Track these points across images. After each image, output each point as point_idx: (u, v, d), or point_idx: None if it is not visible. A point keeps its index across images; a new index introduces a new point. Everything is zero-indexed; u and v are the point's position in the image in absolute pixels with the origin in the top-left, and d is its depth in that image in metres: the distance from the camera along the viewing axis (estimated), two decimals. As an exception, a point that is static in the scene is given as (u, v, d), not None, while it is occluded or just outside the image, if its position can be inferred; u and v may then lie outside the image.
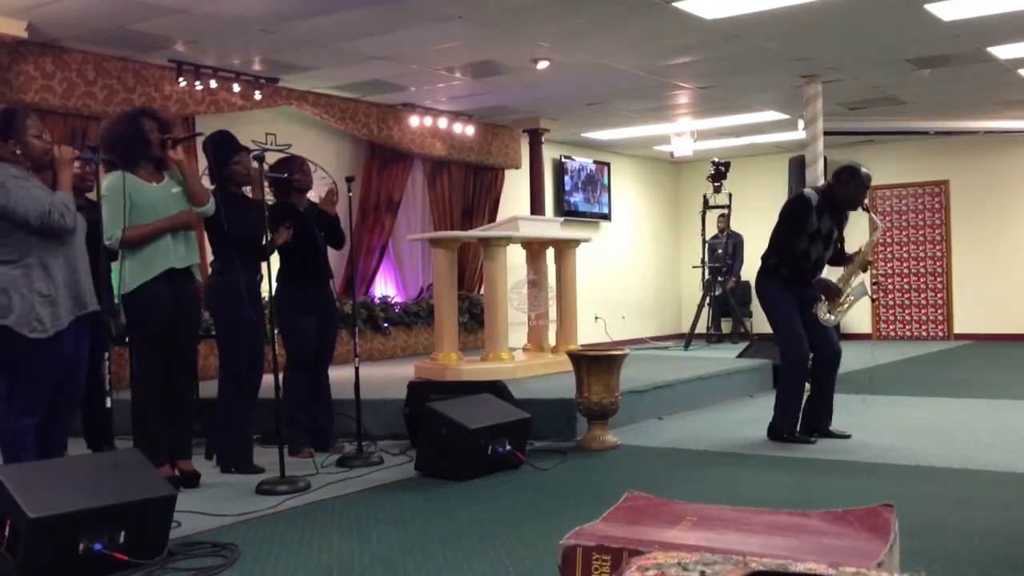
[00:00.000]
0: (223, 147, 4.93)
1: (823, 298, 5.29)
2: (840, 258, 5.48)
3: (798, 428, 5.36)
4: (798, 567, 1.54)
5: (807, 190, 5.39)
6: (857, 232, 6.07)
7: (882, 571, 1.76)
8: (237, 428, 4.87)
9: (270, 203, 5.19)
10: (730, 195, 11.92)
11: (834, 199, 5.26)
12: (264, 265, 4.87)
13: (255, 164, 4.75)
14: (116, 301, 4.35)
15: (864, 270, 5.45)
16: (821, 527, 2.21)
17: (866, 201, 5.32)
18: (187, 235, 4.49)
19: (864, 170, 5.24)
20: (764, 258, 5.44)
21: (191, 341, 4.67)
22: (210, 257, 5.12)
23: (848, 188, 5.22)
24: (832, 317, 5.31)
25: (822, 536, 2.14)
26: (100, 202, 4.17)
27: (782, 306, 5.31)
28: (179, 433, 4.56)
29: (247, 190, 5.08)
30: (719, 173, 11.66)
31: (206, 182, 4.99)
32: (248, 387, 4.89)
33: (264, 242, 4.80)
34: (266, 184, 5.10)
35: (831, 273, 5.51)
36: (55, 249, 3.77)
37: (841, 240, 5.46)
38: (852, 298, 5.35)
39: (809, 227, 5.21)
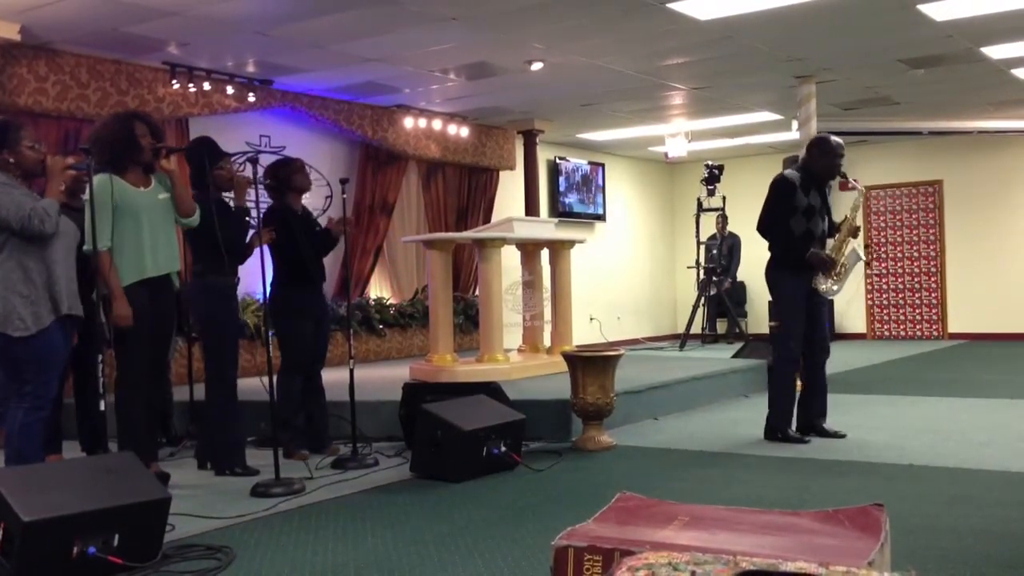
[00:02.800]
0: (206, 153, 4.95)
1: (819, 271, 5.32)
2: (830, 229, 5.51)
3: (794, 426, 5.39)
4: (788, 566, 1.55)
5: (787, 171, 5.45)
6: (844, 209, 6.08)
7: (872, 570, 1.76)
8: (228, 427, 4.88)
9: (265, 205, 5.20)
10: (724, 198, 11.94)
11: (812, 173, 5.35)
12: (252, 268, 4.90)
13: (250, 165, 4.75)
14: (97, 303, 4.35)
15: (854, 236, 5.46)
16: (812, 526, 2.22)
17: (842, 168, 5.40)
18: (167, 242, 4.50)
19: (834, 139, 5.37)
20: (771, 249, 5.46)
21: (165, 345, 4.68)
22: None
23: (823, 159, 5.33)
24: (834, 287, 5.34)
25: (813, 535, 2.14)
26: (87, 205, 4.16)
27: (792, 302, 5.35)
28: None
29: (230, 196, 5.10)
30: (713, 176, 11.68)
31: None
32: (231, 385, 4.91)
33: (246, 243, 4.85)
34: (261, 186, 5.10)
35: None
36: (34, 252, 3.89)
37: (828, 211, 5.50)
38: (847, 265, 5.38)
39: (799, 205, 5.27)
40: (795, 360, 5.37)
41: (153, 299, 4.39)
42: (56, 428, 4.95)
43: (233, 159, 5.09)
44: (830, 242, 5.48)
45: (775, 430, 5.37)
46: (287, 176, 5.36)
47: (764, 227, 5.39)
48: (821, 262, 5.30)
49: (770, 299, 5.68)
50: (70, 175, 4.90)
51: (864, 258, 5.49)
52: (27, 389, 3.89)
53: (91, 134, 4.48)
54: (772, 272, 5.45)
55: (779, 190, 5.34)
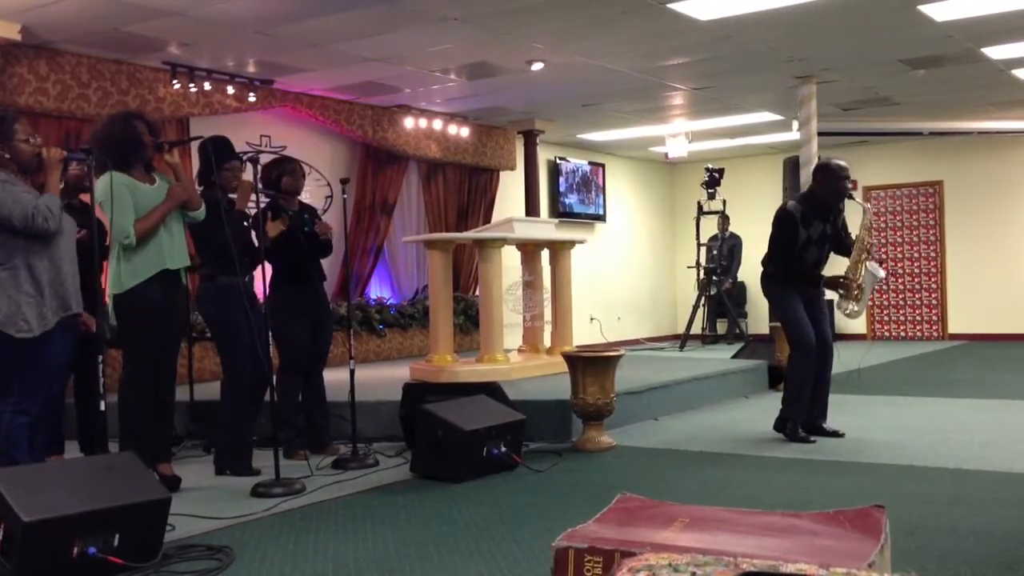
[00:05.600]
0: (219, 153, 4.94)
1: (840, 294, 5.35)
2: (842, 247, 5.50)
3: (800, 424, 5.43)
4: (789, 568, 1.55)
5: (791, 204, 5.46)
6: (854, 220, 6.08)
7: (873, 571, 1.76)
8: (238, 431, 4.87)
9: (261, 205, 5.20)
10: (724, 202, 11.95)
11: (818, 200, 5.38)
12: (258, 267, 4.89)
13: (249, 165, 4.75)
14: (108, 302, 4.34)
15: (868, 253, 5.46)
16: (813, 528, 2.22)
17: (848, 195, 5.41)
18: (179, 237, 4.50)
19: (836, 162, 5.38)
20: (764, 264, 5.53)
21: (175, 343, 4.67)
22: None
23: (828, 185, 5.34)
24: (855, 307, 5.37)
25: (813, 537, 2.14)
26: (95, 205, 4.15)
27: (789, 303, 5.40)
28: (160, 436, 4.56)
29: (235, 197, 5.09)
30: (713, 180, 11.68)
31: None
32: (254, 388, 4.88)
33: (254, 245, 4.84)
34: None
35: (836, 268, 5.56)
36: (40, 251, 3.79)
37: (845, 229, 5.52)
38: (864, 286, 5.39)
39: (799, 239, 5.33)
40: (811, 352, 5.37)
41: (166, 296, 4.40)
42: (58, 429, 4.94)
43: (238, 162, 5.06)
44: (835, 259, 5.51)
45: (786, 422, 5.40)
46: (277, 178, 5.37)
47: (774, 260, 5.45)
48: (837, 285, 5.36)
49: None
50: (73, 173, 4.90)
51: (882, 275, 5.50)
52: (13, 390, 3.78)
53: (92, 136, 4.47)
54: (765, 282, 5.53)
55: (783, 226, 5.37)
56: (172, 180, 4.50)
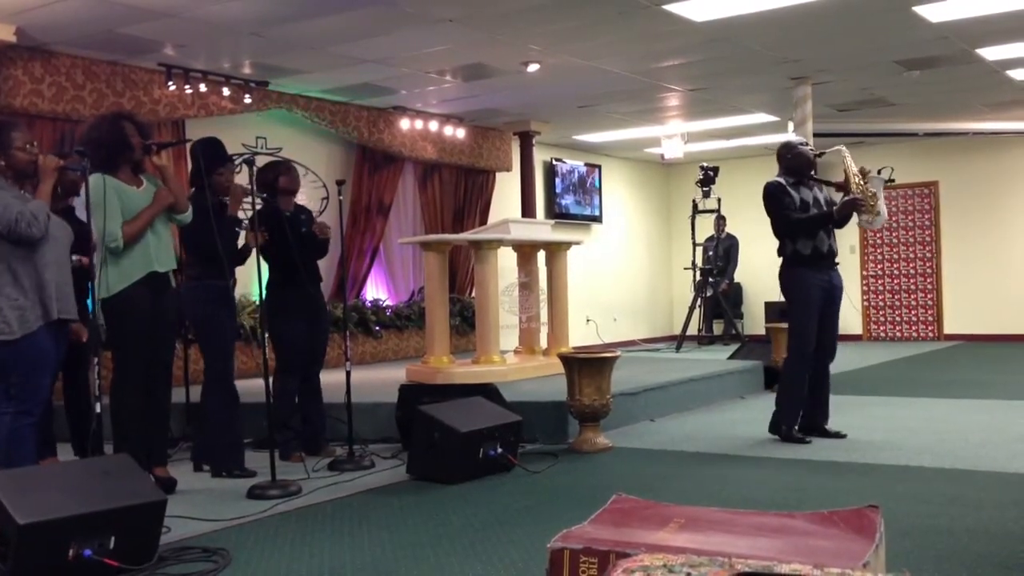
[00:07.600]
0: (212, 155, 4.93)
1: (859, 209, 5.35)
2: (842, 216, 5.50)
3: (798, 424, 5.43)
4: (784, 568, 1.55)
5: (770, 180, 5.53)
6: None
7: (867, 572, 1.77)
8: (229, 430, 4.87)
9: (257, 208, 5.19)
10: (719, 200, 11.96)
11: (792, 172, 5.47)
12: (248, 270, 4.90)
13: (246, 167, 4.75)
14: (96, 307, 4.34)
15: (863, 176, 5.45)
16: (807, 528, 2.22)
17: (815, 156, 5.57)
18: (166, 239, 4.50)
19: (791, 137, 5.65)
20: (781, 250, 5.48)
21: (169, 345, 4.65)
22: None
23: (793, 154, 5.48)
24: (877, 218, 5.38)
25: (808, 537, 2.15)
26: (88, 209, 4.15)
27: (804, 300, 5.39)
28: (155, 439, 4.55)
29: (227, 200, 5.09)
30: (708, 178, 11.69)
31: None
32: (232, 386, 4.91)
33: (238, 248, 4.86)
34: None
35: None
36: (25, 256, 3.81)
37: (829, 204, 5.55)
38: (875, 191, 5.41)
39: (795, 202, 5.36)
40: (807, 359, 5.41)
41: (155, 298, 4.39)
42: (48, 431, 4.92)
43: (232, 165, 5.07)
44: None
45: (779, 425, 5.41)
46: (273, 179, 5.37)
47: (783, 229, 5.40)
48: (851, 205, 5.32)
49: (777, 300, 5.73)
50: (69, 177, 4.89)
51: (885, 178, 5.57)
52: (13, 392, 3.80)
53: (81, 137, 4.47)
54: (787, 269, 5.48)
55: (772, 192, 5.43)
56: (159, 183, 4.49)
